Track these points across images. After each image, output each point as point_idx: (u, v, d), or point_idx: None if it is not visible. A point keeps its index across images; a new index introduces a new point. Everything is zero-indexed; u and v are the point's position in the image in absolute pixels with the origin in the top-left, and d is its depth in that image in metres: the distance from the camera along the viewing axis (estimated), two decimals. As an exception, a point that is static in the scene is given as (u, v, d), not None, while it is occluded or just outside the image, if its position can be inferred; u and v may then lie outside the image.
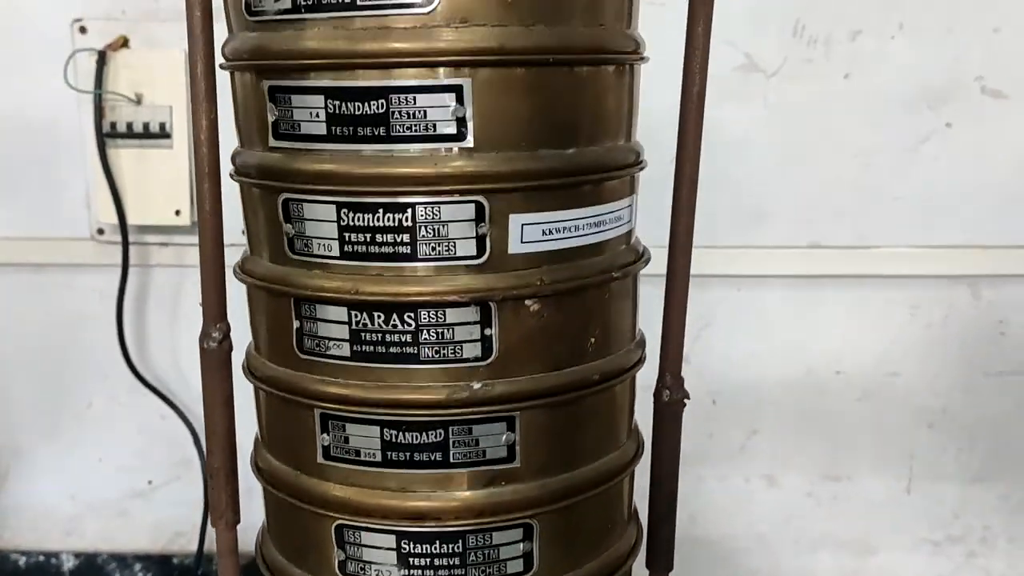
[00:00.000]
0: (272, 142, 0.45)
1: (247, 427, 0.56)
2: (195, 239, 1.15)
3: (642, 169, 0.50)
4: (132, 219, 1.12)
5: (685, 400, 0.56)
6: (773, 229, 1.11)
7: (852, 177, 1.09)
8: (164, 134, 1.10)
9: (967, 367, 1.15)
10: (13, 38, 1.11)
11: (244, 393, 0.54)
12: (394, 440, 0.46)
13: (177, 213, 1.12)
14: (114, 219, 1.12)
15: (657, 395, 0.55)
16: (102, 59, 1.08)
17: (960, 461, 1.18)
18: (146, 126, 1.10)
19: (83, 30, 1.10)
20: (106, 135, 1.10)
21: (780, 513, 1.19)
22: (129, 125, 1.10)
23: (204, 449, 1.16)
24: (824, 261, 1.11)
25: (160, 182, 1.11)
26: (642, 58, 0.49)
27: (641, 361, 0.53)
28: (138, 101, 1.10)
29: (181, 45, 1.09)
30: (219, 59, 0.49)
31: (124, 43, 1.09)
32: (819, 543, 1.20)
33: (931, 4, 1.04)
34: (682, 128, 0.50)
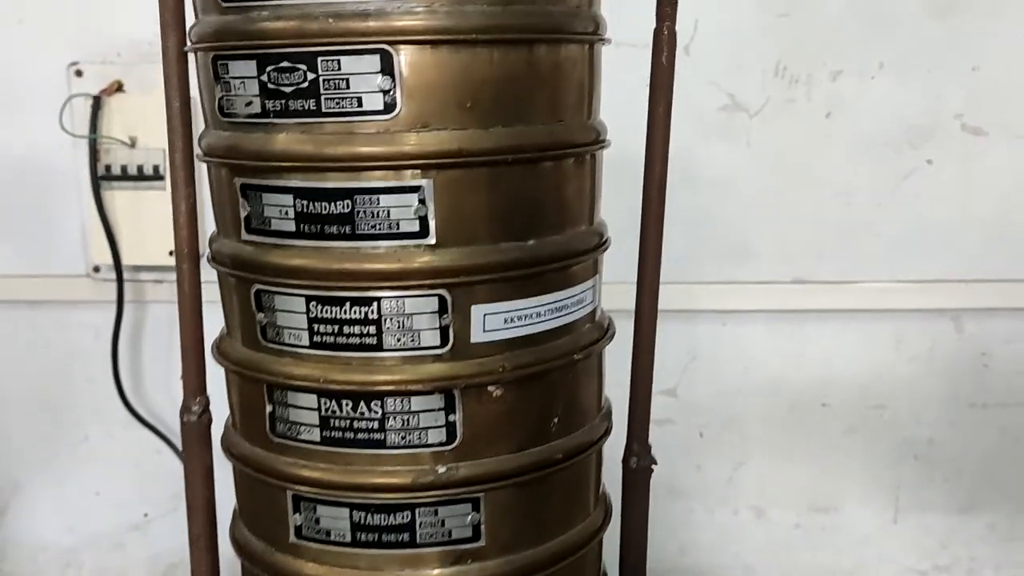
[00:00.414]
0: (245, 235, 0.47)
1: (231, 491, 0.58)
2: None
3: (606, 249, 0.52)
4: (127, 259, 1.14)
5: (652, 466, 0.57)
6: (757, 265, 1.12)
7: (835, 213, 1.10)
8: (158, 176, 1.12)
9: (952, 399, 1.16)
10: (12, 80, 1.13)
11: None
12: (363, 522, 0.48)
13: (171, 253, 1.13)
14: (109, 259, 1.13)
15: (625, 461, 0.57)
16: (97, 104, 1.09)
17: (947, 492, 1.19)
18: (140, 168, 1.11)
19: (79, 73, 1.12)
20: (101, 177, 1.11)
21: (769, 544, 1.20)
22: (123, 168, 1.11)
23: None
24: (808, 296, 1.13)
25: (154, 223, 1.13)
26: (603, 145, 0.50)
27: (607, 433, 0.54)
28: (132, 144, 1.11)
29: (173, 89, 1.10)
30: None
31: (119, 87, 1.11)
32: (807, 574, 1.21)
33: (911, 44, 1.05)
34: (645, 210, 0.51)
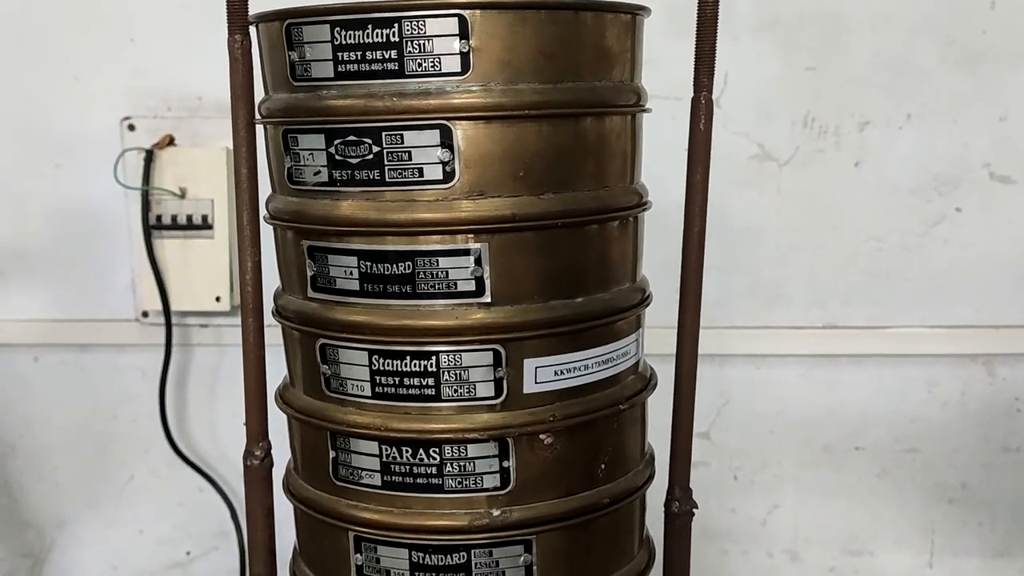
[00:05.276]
0: (311, 293, 0.51)
1: (289, 533, 0.61)
2: (234, 320, 1.20)
3: (648, 305, 0.55)
4: (175, 305, 1.18)
5: (694, 511, 0.60)
6: (789, 310, 1.14)
7: (865, 260, 1.12)
8: (206, 225, 1.16)
9: (985, 443, 1.17)
10: (67, 134, 1.18)
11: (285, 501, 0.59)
12: (421, 561, 0.51)
13: (217, 299, 1.17)
14: (158, 305, 1.17)
15: (667, 506, 0.59)
16: (149, 157, 1.14)
17: (981, 535, 1.20)
18: (189, 218, 1.16)
19: (131, 127, 1.17)
20: (152, 227, 1.16)
21: (803, 587, 1.21)
22: (174, 217, 1.16)
23: (241, 522, 1.21)
24: (840, 341, 1.14)
25: (202, 270, 1.17)
26: (645, 207, 0.53)
27: (650, 479, 0.57)
28: (182, 195, 1.16)
29: (222, 142, 1.15)
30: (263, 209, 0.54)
31: (170, 141, 1.16)
32: (842, 617, 1.21)
33: (938, 95, 1.08)
34: (684, 268, 0.54)
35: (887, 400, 1.16)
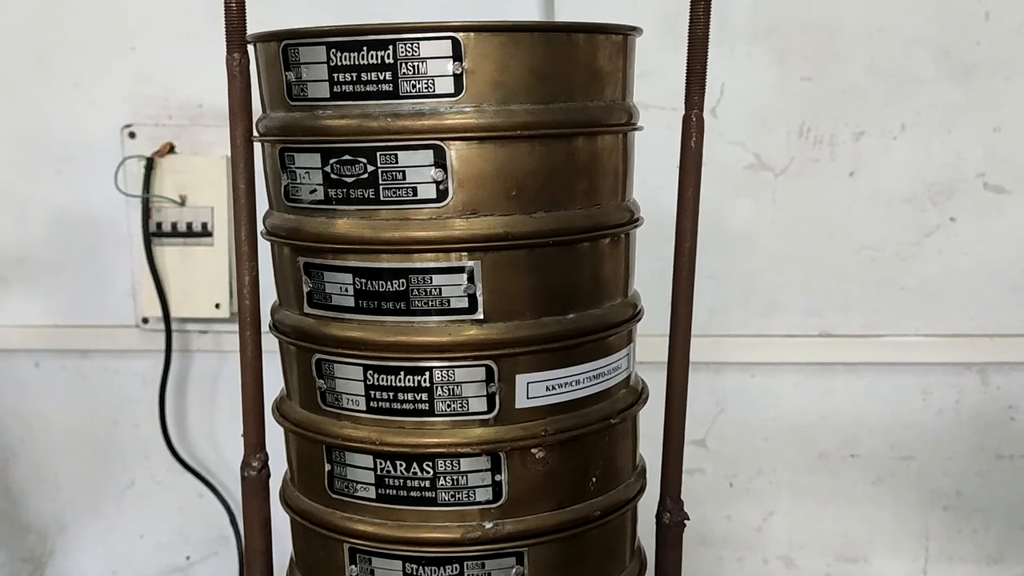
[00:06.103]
0: (307, 308, 0.52)
1: (287, 541, 0.62)
2: (233, 326, 1.20)
3: (639, 320, 0.56)
4: (175, 312, 1.18)
5: (685, 522, 0.60)
6: (784, 319, 1.15)
7: (860, 269, 1.13)
8: (206, 233, 1.17)
9: (979, 451, 1.18)
10: (68, 141, 1.19)
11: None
12: (415, 574, 0.51)
13: (217, 306, 1.18)
14: (158, 311, 1.18)
15: (659, 517, 0.60)
16: (150, 165, 1.15)
17: (976, 542, 1.20)
18: (189, 225, 1.17)
19: (132, 135, 1.18)
20: (152, 234, 1.17)
21: (798, 594, 1.22)
22: (174, 225, 1.17)
23: (240, 528, 1.21)
24: (835, 349, 1.15)
25: (202, 277, 1.18)
26: (636, 224, 0.54)
27: (641, 491, 0.58)
28: (182, 202, 1.16)
29: (223, 150, 1.16)
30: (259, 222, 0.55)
31: (170, 149, 1.16)
32: (837, 624, 1.22)
33: (932, 106, 1.08)
34: (676, 279, 0.55)
35: (882, 408, 1.17)
